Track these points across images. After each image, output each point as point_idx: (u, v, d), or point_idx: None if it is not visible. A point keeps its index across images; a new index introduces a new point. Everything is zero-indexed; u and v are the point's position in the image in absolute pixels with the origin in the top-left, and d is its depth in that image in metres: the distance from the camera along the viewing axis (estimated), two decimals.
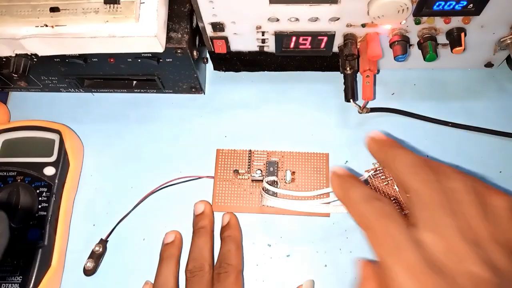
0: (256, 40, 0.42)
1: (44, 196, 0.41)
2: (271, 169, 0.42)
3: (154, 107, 0.47)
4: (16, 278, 0.38)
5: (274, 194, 0.41)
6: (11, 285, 0.38)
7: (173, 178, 0.43)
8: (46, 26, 0.37)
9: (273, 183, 0.42)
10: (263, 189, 0.41)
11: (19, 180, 0.41)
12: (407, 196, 0.26)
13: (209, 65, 0.48)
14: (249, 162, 0.43)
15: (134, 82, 0.46)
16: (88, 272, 0.40)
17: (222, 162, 0.44)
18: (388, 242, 0.24)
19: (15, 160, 0.42)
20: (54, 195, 0.41)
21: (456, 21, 0.38)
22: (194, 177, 0.43)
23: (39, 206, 0.40)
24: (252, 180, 0.42)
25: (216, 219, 0.42)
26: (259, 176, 0.42)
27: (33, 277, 0.38)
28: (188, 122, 0.46)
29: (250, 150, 0.44)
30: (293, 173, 0.42)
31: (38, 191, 0.41)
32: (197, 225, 0.40)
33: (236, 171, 0.43)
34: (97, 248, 0.41)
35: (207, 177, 0.43)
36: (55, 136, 0.43)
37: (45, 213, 0.40)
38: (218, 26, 0.40)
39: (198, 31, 0.42)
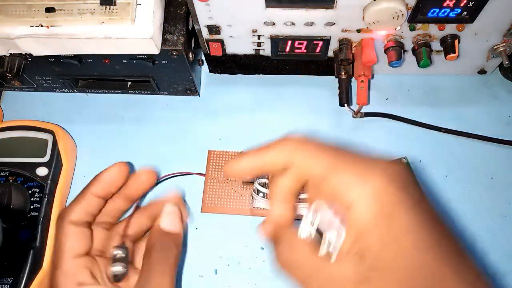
0: (251, 44, 0.42)
1: (36, 197, 0.40)
2: None
3: (148, 108, 0.47)
4: (7, 280, 0.38)
5: (265, 196, 0.41)
6: (1, 287, 0.38)
7: (163, 175, 0.43)
8: (41, 26, 0.37)
9: (264, 185, 0.42)
10: (254, 190, 0.41)
11: (11, 180, 0.41)
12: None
13: (205, 67, 0.48)
14: None
15: (129, 83, 0.46)
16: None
17: (213, 163, 0.44)
18: None
19: (7, 160, 0.42)
20: (46, 196, 0.41)
21: (450, 28, 0.39)
22: (183, 173, 0.43)
23: (31, 207, 0.40)
24: (243, 182, 0.42)
25: (208, 220, 0.42)
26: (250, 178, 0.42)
27: (24, 279, 0.38)
28: (183, 124, 0.46)
29: (242, 152, 0.44)
30: None
31: (30, 191, 0.40)
32: None
33: None
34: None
35: (197, 174, 0.43)
36: (48, 137, 0.43)
37: (37, 213, 0.40)
38: (214, 29, 0.40)
39: (194, 33, 0.42)
